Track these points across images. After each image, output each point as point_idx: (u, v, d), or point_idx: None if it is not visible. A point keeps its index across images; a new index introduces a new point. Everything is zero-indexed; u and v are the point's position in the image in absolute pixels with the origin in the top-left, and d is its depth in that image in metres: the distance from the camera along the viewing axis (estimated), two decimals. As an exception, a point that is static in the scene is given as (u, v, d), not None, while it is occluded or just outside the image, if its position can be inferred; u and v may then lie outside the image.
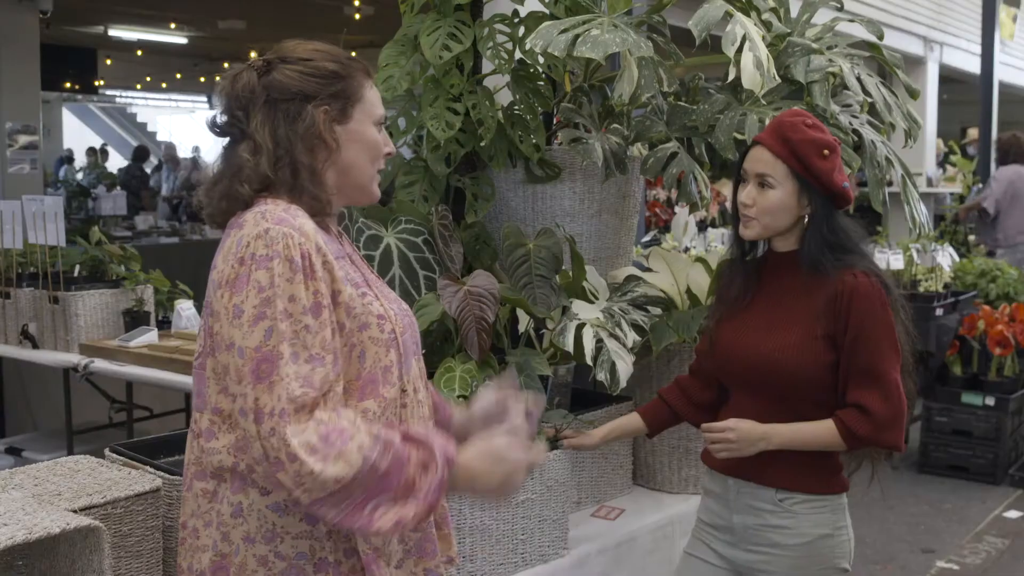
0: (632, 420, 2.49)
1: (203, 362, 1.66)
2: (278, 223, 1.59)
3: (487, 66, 2.97)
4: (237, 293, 1.56)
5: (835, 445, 2.16)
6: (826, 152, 2.15)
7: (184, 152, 16.41)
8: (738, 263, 2.30)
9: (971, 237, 8.51)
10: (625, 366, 2.64)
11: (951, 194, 10.54)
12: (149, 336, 4.03)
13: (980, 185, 9.43)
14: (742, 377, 2.25)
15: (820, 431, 2.16)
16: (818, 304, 2.15)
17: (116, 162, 17.00)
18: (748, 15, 2.88)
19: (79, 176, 13.49)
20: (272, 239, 1.57)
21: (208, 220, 1.72)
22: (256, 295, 1.55)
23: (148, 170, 15.05)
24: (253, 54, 13.34)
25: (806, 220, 2.19)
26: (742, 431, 2.17)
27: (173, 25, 11.66)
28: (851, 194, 2.21)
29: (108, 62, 14.40)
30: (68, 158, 15.31)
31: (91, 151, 15.71)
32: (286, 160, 1.66)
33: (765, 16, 2.97)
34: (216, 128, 1.73)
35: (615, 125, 2.94)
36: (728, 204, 2.38)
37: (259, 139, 1.66)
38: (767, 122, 2.72)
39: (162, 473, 2.18)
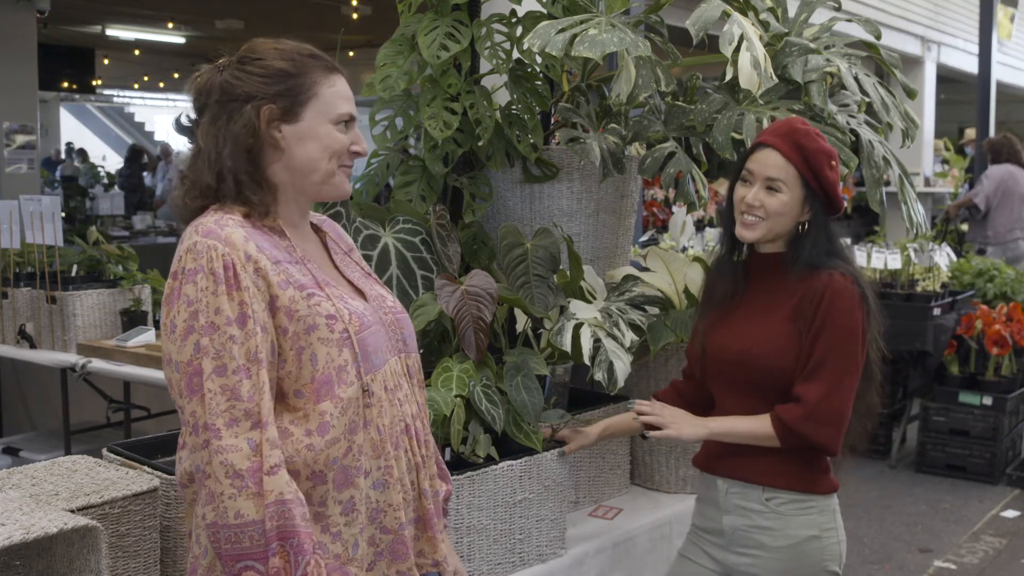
0: (627, 418, 2.51)
1: None
2: (205, 235, 1.59)
3: (485, 66, 2.97)
4: (171, 308, 1.58)
5: (768, 438, 2.17)
6: (833, 163, 2.18)
7: (176, 146, 16.34)
8: (727, 262, 2.32)
9: (964, 227, 8.56)
10: (623, 366, 2.64)
11: (949, 194, 10.57)
12: (146, 336, 4.02)
13: (967, 185, 9.45)
14: (721, 373, 2.28)
15: (756, 422, 2.18)
16: (797, 298, 2.18)
17: (114, 162, 16.98)
18: (745, 15, 2.88)
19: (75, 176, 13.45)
20: (198, 252, 1.58)
21: (180, 224, 1.73)
22: (185, 309, 1.56)
23: (145, 171, 15.00)
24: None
25: (801, 227, 2.21)
26: (674, 410, 2.30)
27: (171, 25, 11.65)
28: (843, 204, 2.25)
29: (106, 62, 14.39)
30: (65, 160, 15.26)
31: (80, 152, 15.67)
32: (219, 165, 1.65)
33: (763, 16, 2.97)
34: (180, 129, 1.73)
35: (613, 125, 2.94)
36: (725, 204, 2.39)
37: (202, 143, 1.66)
38: (764, 122, 2.72)
39: (160, 473, 2.18)
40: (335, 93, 1.71)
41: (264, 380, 1.58)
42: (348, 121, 1.73)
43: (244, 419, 1.55)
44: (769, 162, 2.18)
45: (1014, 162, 8.19)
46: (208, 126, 1.66)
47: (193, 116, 1.70)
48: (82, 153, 15.57)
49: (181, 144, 17.06)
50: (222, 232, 1.60)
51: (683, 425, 2.26)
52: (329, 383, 1.64)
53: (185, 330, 1.55)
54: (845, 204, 2.27)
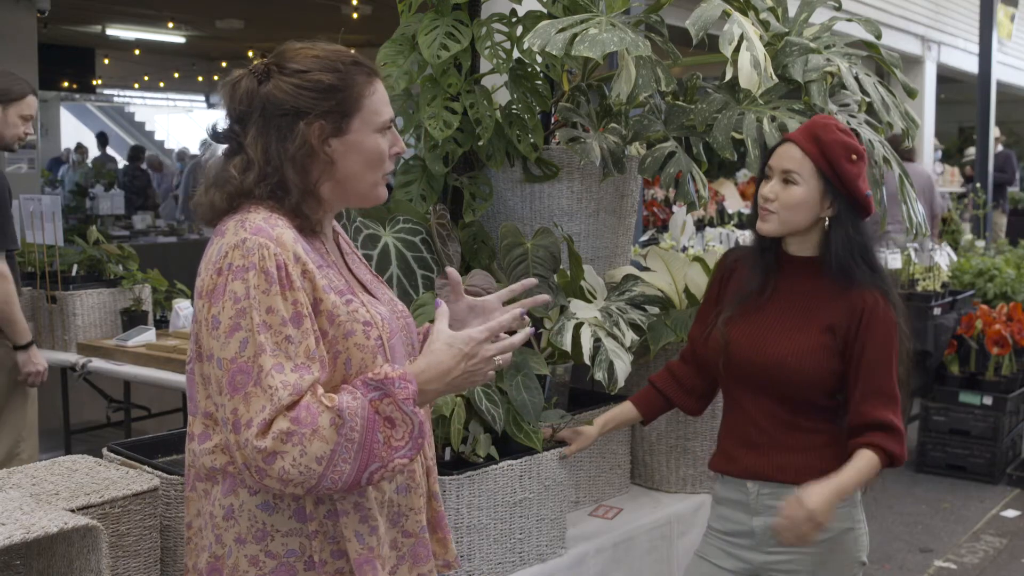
0: (625, 409, 2.51)
1: (192, 368, 1.66)
2: (255, 232, 1.57)
3: (485, 65, 2.97)
4: (215, 304, 1.56)
5: (874, 471, 2.17)
6: (854, 156, 2.16)
7: (176, 146, 16.25)
8: (757, 257, 2.29)
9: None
10: (623, 365, 2.64)
11: (948, 193, 10.56)
12: (147, 335, 4.03)
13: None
14: (750, 377, 2.26)
15: (863, 466, 2.15)
16: (835, 314, 2.18)
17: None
18: (746, 14, 2.88)
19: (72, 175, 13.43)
20: (248, 250, 1.56)
21: (200, 222, 1.72)
22: (232, 306, 1.54)
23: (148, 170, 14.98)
24: (251, 54, 13.34)
25: (827, 223, 2.19)
26: (794, 515, 2.10)
27: (171, 24, 11.66)
28: (873, 205, 2.22)
29: (106, 61, 14.40)
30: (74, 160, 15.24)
31: (79, 148, 15.63)
32: (275, 178, 1.64)
33: (763, 15, 2.97)
34: (217, 136, 1.72)
35: (613, 124, 2.94)
36: (726, 203, 2.39)
37: (252, 154, 1.65)
38: (765, 122, 2.73)
39: (160, 472, 2.18)
40: (378, 100, 1.70)
41: (326, 376, 1.58)
42: (387, 127, 1.73)
43: None
44: (786, 156, 2.19)
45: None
46: (257, 138, 1.65)
47: (231, 124, 1.68)
48: (80, 150, 15.54)
49: (180, 143, 17.05)
50: (273, 232, 1.59)
51: (821, 515, 2.11)
52: None
53: (231, 327, 1.53)
54: (873, 204, 2.23)
